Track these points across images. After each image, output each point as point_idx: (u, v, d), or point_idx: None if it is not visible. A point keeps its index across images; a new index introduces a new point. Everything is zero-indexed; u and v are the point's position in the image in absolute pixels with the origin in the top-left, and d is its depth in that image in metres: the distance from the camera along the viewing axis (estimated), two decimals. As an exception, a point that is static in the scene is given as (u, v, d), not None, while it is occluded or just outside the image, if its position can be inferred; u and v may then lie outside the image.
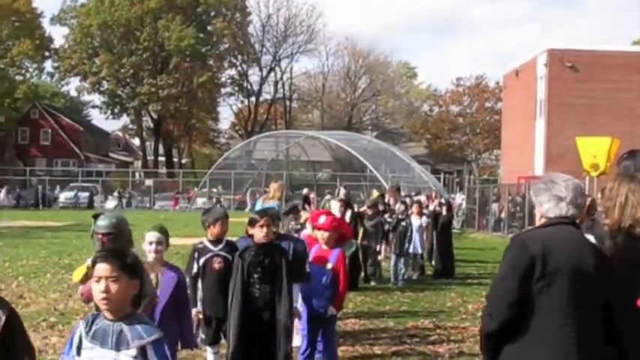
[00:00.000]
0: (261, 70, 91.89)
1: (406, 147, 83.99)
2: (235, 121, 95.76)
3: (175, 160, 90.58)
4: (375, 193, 23.59)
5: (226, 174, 60.02)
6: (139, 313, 4.29)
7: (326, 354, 8.85)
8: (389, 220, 18.43)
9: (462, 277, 19.31)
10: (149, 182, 69.72)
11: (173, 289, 6.63)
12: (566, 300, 4.16)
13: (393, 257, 17.73)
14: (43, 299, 14.19)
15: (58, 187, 61.97)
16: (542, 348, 4.17)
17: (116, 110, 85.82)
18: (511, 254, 4.30)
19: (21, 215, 43.54)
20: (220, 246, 8.25)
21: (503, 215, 37.72)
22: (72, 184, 62.09)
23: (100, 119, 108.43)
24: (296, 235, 10.04)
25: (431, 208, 22.21)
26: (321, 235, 8.66)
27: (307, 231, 10.58)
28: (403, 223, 17.77)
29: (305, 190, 26.47)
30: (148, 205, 60.71)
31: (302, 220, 11.48)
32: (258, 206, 11.59)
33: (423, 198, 25.64)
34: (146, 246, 6.91)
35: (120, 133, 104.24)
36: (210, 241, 8.32)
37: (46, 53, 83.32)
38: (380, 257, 17.88)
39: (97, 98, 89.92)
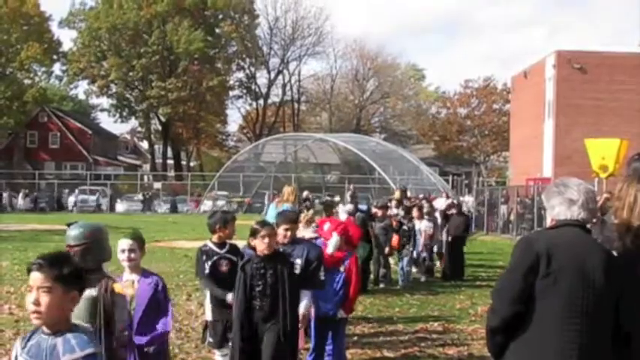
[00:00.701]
0: (269, 72, 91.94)
1: (414, 149, 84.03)
2: (243, 123, 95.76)
3: (184, 163, 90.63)
4: (398, 194, 23.59)
5: (235, 177, 60.13)
6: (82, 325, 4.07)
7: (335, 357, 8.86)
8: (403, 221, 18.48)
9: (471, 279, 19.29)
10: (157, 185, 69.84)
11: (151, 297, 6.38)
12: (570, 299, 4.18)
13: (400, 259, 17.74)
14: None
15: (75, 190, 61.86)
16: (546, 345, 4.19)
17: (124, 113, 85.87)
18: (517, 252, 4.35)
19: (31, 219, 43.62)
20: (226, 249, 8.30)
21: (512, 217, 37.67)
22: (81, 187, 62.15)
23: (108, 122, 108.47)
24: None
25: (441, 208, 22.03)
26: (336, 240, 8.85)
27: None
28: (405, 227, 17.75)
29: (305, 193, 26.43)
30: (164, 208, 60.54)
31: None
32: (272, 210, 11.59)
33: (442, 202, 25.09)
34: (119, 255, 6.60)
35: (128, 136, 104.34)
36: (215, 244, 8.36)
37: (55, 57, 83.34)
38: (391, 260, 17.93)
39: (105, 101, 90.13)
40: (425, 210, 19.78)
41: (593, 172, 19.65)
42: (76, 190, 60.94)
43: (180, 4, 78.39)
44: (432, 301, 15.44)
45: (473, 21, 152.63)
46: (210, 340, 8.43)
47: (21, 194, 57.45)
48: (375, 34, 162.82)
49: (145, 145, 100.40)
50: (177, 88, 77.39)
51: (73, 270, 3.84)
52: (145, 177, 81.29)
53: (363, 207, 19.23)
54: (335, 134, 67.14)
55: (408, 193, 26.25)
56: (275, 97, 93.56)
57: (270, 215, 11.01)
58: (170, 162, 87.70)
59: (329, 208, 14.53)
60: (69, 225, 5.87)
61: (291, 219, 8.24)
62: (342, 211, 15.35)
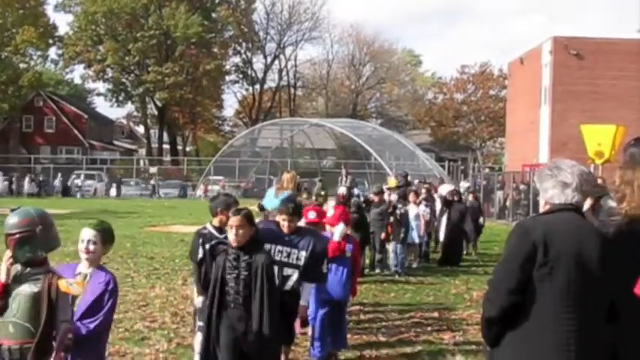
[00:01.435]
0: (265, 57, 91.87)
1: (411, 135, 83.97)
2: (240, 108, 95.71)
3: (180, 147, 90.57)
4: (392, 180, 23.51)
5: (231, 162, 60.07)
6: None
7: (338, 335, 8.90)
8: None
9: (467, 265, 19.32)
10: (153, 170, 69.80)
11: (97, 297, 5.46)
12: (568, 287, 4.15)
13: (392, 245, 17.68)
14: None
15: (81, 176, 61.88)
16: (543, 335, 4.17)
17: (121, 98, 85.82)
18: (513, 240, 4.29)
19: (25, 203, 43.51)
20: (225, 234, 7.72)
21: (507, 203, 37.70)
22: (76, 172, 62.09)
23: (104, 107, 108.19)
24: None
25: (443, 194, 21.76)
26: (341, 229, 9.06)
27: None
28: (398, 212, 17.66)
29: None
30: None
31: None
32: (270, 196, 11.45)
33: (447, 188, 24.60)
34: (79, 244, 5.79)
35: (124, 121, 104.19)
36: (215, 228, 8.05)
37: (50, 41, 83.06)
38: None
39: (101, 86, 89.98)
40: (423, 196, 19.77)
41: (589, 158, 19.71)
42: (82, 176, 61.02)
43: (177, -12, 78.21)
44: (427, 287, 15.47)
45: (470, 7, 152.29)
46: (201, 324, 8.40)
47: (27, 179, 57.49)
48: (371, 20, 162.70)
49: (140, 129, 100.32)
50: (173, 73, 77.26)
51: None
52: (141, 161, 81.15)
53: (355, 191, 19.19)
54: (331, 119, 67.06)
55: (409, 179, 26.12)
56: (271, 82, 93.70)
57: (267, 202, 10.88)
58: (166, 147, 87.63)
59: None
60: (12, 210, 5.14)
61: (289, 210, 7.95)
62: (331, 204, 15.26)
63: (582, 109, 37.99)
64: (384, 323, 11.47)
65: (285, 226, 7.39)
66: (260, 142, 65.77)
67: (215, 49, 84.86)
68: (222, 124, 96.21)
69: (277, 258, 7.69)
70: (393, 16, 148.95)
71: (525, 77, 46.61)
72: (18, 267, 4.98)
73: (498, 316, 4.26)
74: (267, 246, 7.52)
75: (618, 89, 39.78)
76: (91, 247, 5.72)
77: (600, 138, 19.45)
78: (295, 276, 7.81)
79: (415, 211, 18.57)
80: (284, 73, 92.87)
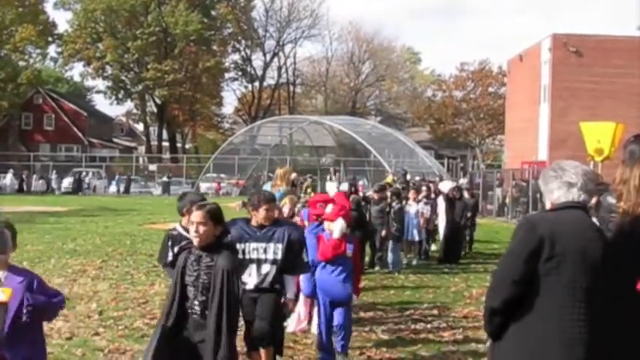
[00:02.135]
0: (264, 55, 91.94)
1: (410, 132, 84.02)
2: (239, 106, 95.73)
3: (179, 145, 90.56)
4: (390, 177, 23.49)
5: (230, 159, 60.07)
6: None
7: (342, 336, 8.78)
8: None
9: (466, 262, 19.32)
10: (153, 167, 69.78)
11: (21, 299, 5.18)
12: (574, 282, 4.18)
13: (390, 243, 17.55)
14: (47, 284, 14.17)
15: (97, 174, 62.33)
16: (547, 328, 4.19)
17: (120, 95, 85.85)
18: (520, 234, 4.32)
19: (27, 200, 43.60)
20: None
21: (507, 200, 37.70)
22: (75, 170, 62.11)
23: (103, 104, 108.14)
24: (294, 220, 9.83)
25: (444, 191, 21.57)
26: (340, 225, 8.62)
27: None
28: (394, 208, 17.56)
29: (293, 175, 26.28)
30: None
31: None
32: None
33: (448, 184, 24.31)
34: None
35: (123, 119, 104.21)
36: (184, 228, 7.37)
37: (50, 38, 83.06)
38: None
39: (101, 83, 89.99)
40: (423, 193, 19.73)
41: (588, 155, 19.71)
42: (90, 173, 61.32)
43: (177, -14, 78.20)
44: (426, 284, 15.46)
45: (469, 4, 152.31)
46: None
47: (35, 176, 57.81)
48: (370, 17, 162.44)
49: (140, 127, 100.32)
50: (173, 70, 77.30)
51: None
52: (141, 159, 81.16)
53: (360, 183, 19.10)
54: (330, 117, 67.05)
55: (408, 177, 26.09)
56: (270, 79, 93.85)
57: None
58: (165, 144, 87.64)
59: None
60: None
61: (268, 198, 7.73)
62: (331, 188, 15.18)
63: (581, 107, 38.02)
64: (383, 320, 11.47)
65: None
66: (259, 140, 65.79)
67: (214, 47, 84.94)
68: (221, 121, 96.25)
69: (253, 256, 7.49)
70: (392, 14, 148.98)
71: (524, 74, 46.64)
72: None
73: (501, 306, 4.29)
74: (239, 246, 7.35)
75: (617, 86, 39.83)
76: None
77: (600, 135, 19.43)
78: (274, 272, 7.52)
79: (415, 208, 18.54)
80: (283, 70, 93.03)
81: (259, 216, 7.58)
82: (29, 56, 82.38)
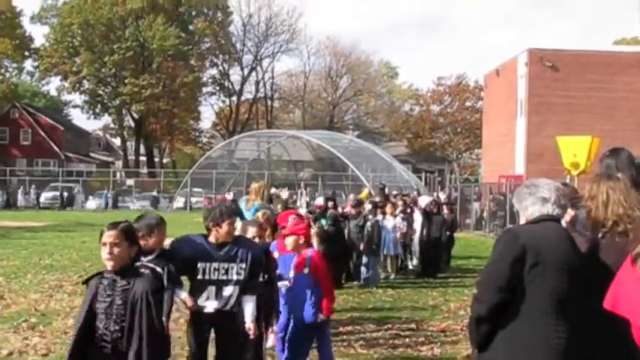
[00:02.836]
0: (242, 69, 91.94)
1: (387, 146, 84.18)
2: (217, 120, 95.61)
3: (157, 159, 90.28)
4: (366, 191, 23.48)
5: (208, 174, 59.88)
6: None
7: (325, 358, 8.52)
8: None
9: (444, 275, 19.33)
10: (130, 182, 69.47)
11: None
12: (558, 290, 4.27)
13: (366, 258, 17.32)
14: (23, 300, 14.09)
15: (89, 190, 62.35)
16: (534, 333, 4.25)
17: (97, 110, 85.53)
18: (502, 244, 4.42)
19: (2, 216, 43.31)
20: (150, 257, 6.60)
21: (484, 214, 37.79)
22: (52, 184, 61.76)
23: (80, 119, 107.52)
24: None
25: (422, 206, 21.53)
26: (291, 240, 8.16)
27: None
28: (369, 223, 17.33)
29: (272, 190, 26.19)
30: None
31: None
32: (242, 208, 11.34)
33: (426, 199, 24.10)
34: None
35: (100, 133, 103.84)
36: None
37: (26, 52, 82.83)
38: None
39: (77, 98, 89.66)
40: (399, 208, 19.74)
41: (565, 169, 19.80)
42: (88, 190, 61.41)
43: (155, 1, 78.07)
44: (404, 298, 15.46)
45: (446, 20, 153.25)
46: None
47: (20, 190, 57.88)
48: (348, 32, 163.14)
49: (117, 141, 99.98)
50: (150, 85, 77.13)
51: None
52: (118, 174, 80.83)
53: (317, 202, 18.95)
54: (308, 131, 67.15)
55: (386, 191, 26.10)
56: (248, 93, 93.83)
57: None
58: (143, 159, 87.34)
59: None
60: None
61: (231, 212, 7.19)
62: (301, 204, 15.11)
63: (558, 121, 38.24)
64: (361, 335, 11.44)
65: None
66: (237, 154, 65.66)
67: (192, 61, 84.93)
68: (199, 135, 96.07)
69: (214, 277, 6.91)
70: (369, 29, 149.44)
71: (501, 89, 46.87)
72: None
73: (488, 314, 4.35)
74: (199, 265, 6.87)
75: (593, 100, 40.12)
76: None
77: (576, 149, 19.52)
78: (236, 293, 6.99)
79: (392, 222, 18.56)
80: (261, 85, 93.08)
81: (222, 232, 6.98)
82: (5, 70, 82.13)
